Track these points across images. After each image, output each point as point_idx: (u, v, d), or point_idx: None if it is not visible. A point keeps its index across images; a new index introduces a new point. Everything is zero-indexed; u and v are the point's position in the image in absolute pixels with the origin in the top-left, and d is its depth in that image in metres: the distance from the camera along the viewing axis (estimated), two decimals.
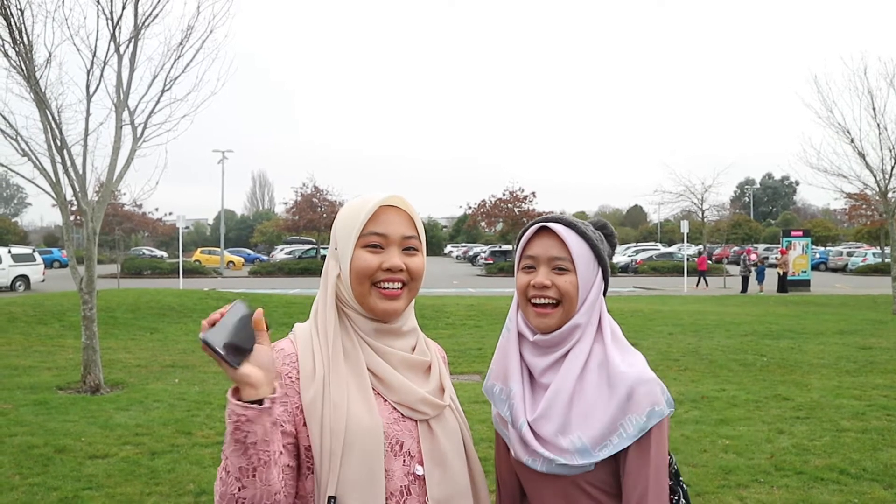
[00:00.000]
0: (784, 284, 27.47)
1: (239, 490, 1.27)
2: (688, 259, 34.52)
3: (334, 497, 1.36)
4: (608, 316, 1.64)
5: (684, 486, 1.69)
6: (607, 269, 1.66)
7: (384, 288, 1.49)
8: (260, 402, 1.27)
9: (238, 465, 1.27)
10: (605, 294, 1.67)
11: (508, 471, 1.71)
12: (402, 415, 1.48)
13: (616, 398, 1.51)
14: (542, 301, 1.59)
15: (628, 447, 1.50)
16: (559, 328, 1.59)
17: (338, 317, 1.51)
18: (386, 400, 1.48)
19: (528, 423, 1.56)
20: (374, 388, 1.47)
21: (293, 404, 1.43)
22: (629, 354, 1.60)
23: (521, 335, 1.65)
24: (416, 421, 1.50)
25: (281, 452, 1.33)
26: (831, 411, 7.26)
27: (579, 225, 1.63)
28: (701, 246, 48.48)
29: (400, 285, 1.50)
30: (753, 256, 33.05)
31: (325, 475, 1.38)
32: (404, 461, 1.45)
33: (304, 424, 1.42)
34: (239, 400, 1.27)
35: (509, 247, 44.94)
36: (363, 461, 1.39)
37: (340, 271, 1.51)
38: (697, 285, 31.29)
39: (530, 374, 1.63)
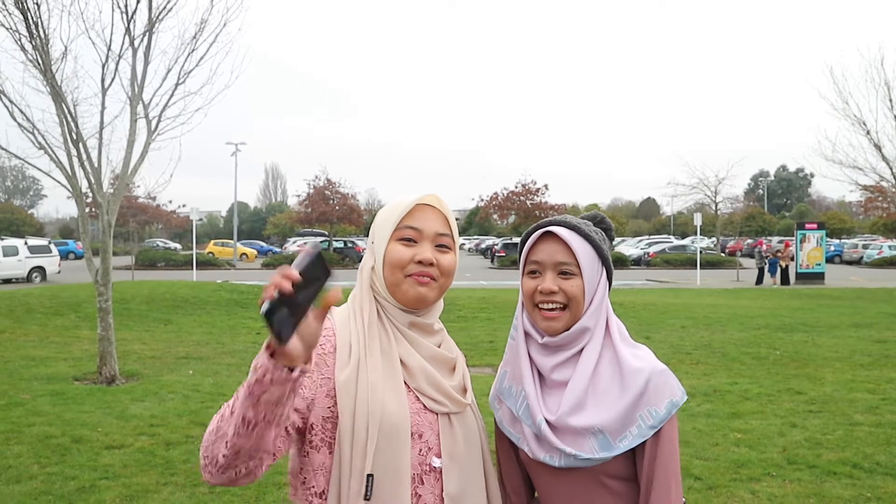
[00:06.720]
0: (787, 277, 27.22)
1: (233, 435, 1.29)
2: (701, 252, 34.34)
3: (372, 475, 1.41)
4: (615, 317, 1.67)
5: None
6: (611, 269, 1.68)
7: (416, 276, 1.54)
8: (291, 368, 1.25)
9: (243, 413, 1.27)
10: (609, 289, 1.69)
11: (512, 473, 1.73)
12: (424, 406, 1.52)
13: (632, 391, 1.53)
14: (550, 306, 1.61)
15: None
16: (567, 330, 1.61)
17: (375, 307, 1.57)
18: (411, 389, 1.52)
19: (547, 421, 1.57)
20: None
21: (320, 375, 1.47)
22: (637, 349, 1.63)
23: (528, 335, 1.67)
24: (436, 414, 1.54)
25: (287, 417, 1.33)
26: (845, 405, 7.23)
27: (582, 227, 1.64)
28: (714, 238, 48.25)
29: (430, 278, 1.55)
30: (765, 248, 33.00)
31: (361, 454, 1.42)
32: (420, 450, 1.49)
33: (329, 397, 1.46)
34: (273, 355, 1.24)
35: None
36: (390, 445, 1.44)
37: (375, 263, 1.58)
38: None
39: (540, 374, 1.65)
